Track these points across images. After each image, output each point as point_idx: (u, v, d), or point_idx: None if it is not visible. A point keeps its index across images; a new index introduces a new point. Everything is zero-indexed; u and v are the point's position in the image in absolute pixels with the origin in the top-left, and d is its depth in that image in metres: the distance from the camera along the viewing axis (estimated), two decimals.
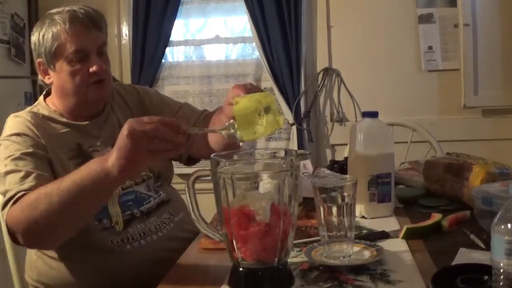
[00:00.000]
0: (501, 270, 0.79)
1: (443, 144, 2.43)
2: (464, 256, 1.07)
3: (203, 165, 1.83)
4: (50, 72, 1.42)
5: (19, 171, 1.26)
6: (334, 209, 1.06)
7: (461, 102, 3.00)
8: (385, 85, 3.09)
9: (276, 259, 0.93)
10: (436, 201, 1.52)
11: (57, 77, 1.41)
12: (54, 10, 1.41)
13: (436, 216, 1.29)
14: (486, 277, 0.84)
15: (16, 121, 1.39)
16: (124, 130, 1.03)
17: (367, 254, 1.09)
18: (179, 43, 3.30)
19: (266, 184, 0.93)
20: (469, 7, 2.94)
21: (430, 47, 3.07)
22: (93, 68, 1.38)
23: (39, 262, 1.39)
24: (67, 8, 1.39)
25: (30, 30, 2.86)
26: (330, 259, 1.06)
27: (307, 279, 1.00)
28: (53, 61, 1.39)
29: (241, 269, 0.94)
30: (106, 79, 1.44)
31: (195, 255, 1.22)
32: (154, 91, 1.69)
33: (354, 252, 1.09)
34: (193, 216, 1.00)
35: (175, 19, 3.16)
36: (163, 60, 3.21)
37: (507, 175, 1.42)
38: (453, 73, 3.02)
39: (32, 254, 1.42)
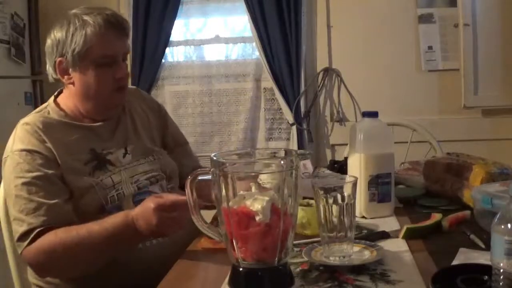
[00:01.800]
0: (501, 270, 0.79)
1: (443, 144, 2.43)
2: (464, 256, 1.07)
3: (203, 164, 1.85)
4: (72, 72, 1.40)
5: (31, 200, 1.28)
6: (334, 209, 1.06)
7: (461, 102, 2.99)
8: (385, 85, 3.09)
9: (276, 259, 0.93)
10: (436, 201, 1.52)
11: (80, 79, 1.40)
12: (78, 11, 1.41)
13: (436, 216, 1.29)
14: (486, 277, 0.84)
15: (25, 131, 1.36)
16: (152, 218, 1.18)
17: (367, 254, 1.09)
18: (179, 43, 3.30)
19: (266, 184, 0.93)
20: (469, 7, 2.93)
21: (430, 47, 3.07)
22: (120, 75, 1.41)
23: None
24: (97, 11, 1.39)
25: (30, 30, 2.91)
26: (330, 259, 1.06)
27: (307, 279, 1.00)
28: (80, 62, 1.38)
29: (241, 269, 0.94)
30: (126, 85, 1.47)
31: (195, 255, 1.22)
32: (171, 120, 1.74)
33: (354, 252, 1.09)
34: (193, 216, 1.01)
35: (175, 19, 3.16)
36: (163, 60, 3.21)
37: (507, 175, 1.42)
38: (453, 73, 3.02)
39: None
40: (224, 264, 1.05)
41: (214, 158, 0.94)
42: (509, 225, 0.78)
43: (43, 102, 2.87)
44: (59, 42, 1.39)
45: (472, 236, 1.17)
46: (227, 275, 0.98)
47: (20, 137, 1.36)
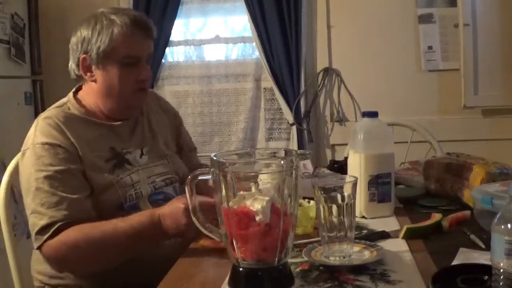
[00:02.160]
0: (501, 270, 0.79)
1: (443, 144, 2.43)
2: (464, 256, 1.07)
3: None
4: (95, 70, 1.42)
5: (52, 194, 1.28)
6: (334, 209, 1.06)
7: (461, 102, 2.99)
8: (385, 85, 3.09)
9: (276, 259, 0.93)
10: (436, 201, 1.52)
11: (103, 77, 1.42)
12: (106, 10, 1.43)
13: (436, 216, 1.29)
14: (486, 277, 0.84)
15: (47, 125, 1.37)
16: (182, 218, 1.19)
17: (367, 254, 1.09)
18: (179, 43, 3.30)
19: (266, 184, 0.93)
20: (469, 7, 2.93)
21: (430, 47, 3.07)
22: (142, 76, 1.44)
23: None
24: (124, 12, 1.43)
25: (30, 30, 2.91)
26: (330, 259, 1.06)
27: (307, 279, 1.00)
28: (104, 60, 1.40)
29: (241, 269, 0.94)
30: (148, 87, 1.50)
31: (195, 255, 1.22)
32: (185, 127, 1.78)
33: (354, 252, 1.09)
34: (193, 216, 1.01)
35: (175, 19, 3.16)
36: (163, 60, 3.21)
37: (507, 175, 1.42)
38: (453, 73, 3.02)
39: None
40: (224, 264, 1.05)
41: (214, 158, 0.94)
42: (509, 225, 0.78)
43: (43, 102, 2.90)
44: (84, 39, 1.41)
45: (472, 236, 1.17)
46: (227, 275, 0.98)
47: (42, 130, 1.36)
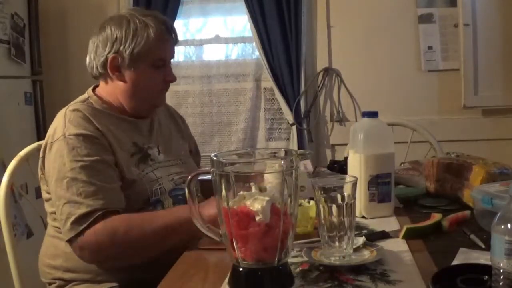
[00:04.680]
0: (501, 270, 0.79)
1: (443, 144, 2.43)
2: (464, 256, 1.07)
3: (204, 164, 1.86)
4: (124, 70, 1.44)
5: (90, 183, 1.29)
6: (334, 209, 1.06)
7: (461, 102, 3.00)
8: (385, 85, 3.09)
9: (276, 259, 0.93)
10: (436, 201, 1.52)
11: (133, 77, 1.45)
12: (134, 12, 1.46)
13: (436, 216, 1.29)
14: (486, 277, 0.84)
15: (78, 117, 1.38)
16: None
17: (367, 254, 1.09)
18: (179, 43, 3.28)
19: (266, 184, 0.93)
20: (469, 7, 2.94)
21: (430, 47, 3.07)
22: (170, 78, 1.50)
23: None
24: (153, 14, 1.46)
25: (30, 30, 2.91)
26: (330, 259, 1.06)
27: (307, 279, 1.00)
28: (136, 61, 1.43)
29: (241, 269, 0.94)
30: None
31: (195, 255, 1.22)
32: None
33: (354, 252, 1.09)
34: (193, 216, 1.01)
35: (175, 19, 3.16)
36: None
37: (507, 175, 1.42)
38: (453, 73, 3.02)
39: (61, 244, 1.40)
40: (224, 264, 1.05)
41: (214, 158, 0.94)
42: (509, 225, 0.78)
43: (43, 102, 2.90)
44: (116, 39, 1.42)
45: (472, 236, 1.17)
46: (227, 275, 0.98)
47: (73, 122, 1.37)
